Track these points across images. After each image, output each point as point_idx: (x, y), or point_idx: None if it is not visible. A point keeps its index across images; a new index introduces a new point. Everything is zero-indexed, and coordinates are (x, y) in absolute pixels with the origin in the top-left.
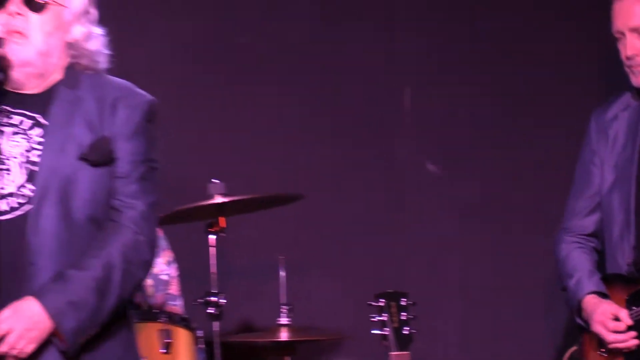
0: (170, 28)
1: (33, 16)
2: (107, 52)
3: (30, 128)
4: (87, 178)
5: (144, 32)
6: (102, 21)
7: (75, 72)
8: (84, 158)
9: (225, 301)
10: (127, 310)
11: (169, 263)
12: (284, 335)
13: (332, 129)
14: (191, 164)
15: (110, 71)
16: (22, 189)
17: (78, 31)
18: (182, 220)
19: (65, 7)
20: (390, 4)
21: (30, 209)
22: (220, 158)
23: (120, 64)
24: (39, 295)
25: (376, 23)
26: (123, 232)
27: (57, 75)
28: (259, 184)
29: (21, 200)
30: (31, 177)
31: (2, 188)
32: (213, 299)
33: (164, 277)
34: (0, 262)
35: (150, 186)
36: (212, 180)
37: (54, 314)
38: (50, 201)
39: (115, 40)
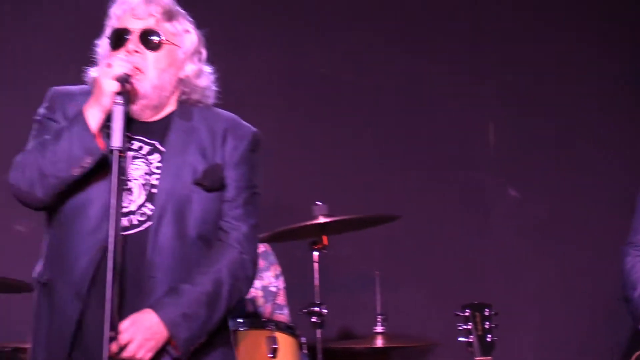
0: (273, 60)
1: (149, 54)
2: (215, 88)
3: (150, 153)
4: (200, 201)
5: (248, 66)
6: (209, 59)
7: (188, 105)
8: (198, 183)
9: (326, 311)
10: (227, 321)
11: (276, 276)
12: (379, 342)
13: (425, 157)
14: (298, 188)
15: (217, 103)
16: (142, 208)
17: (189, 69)
18: (289, 238)
19: (179, 46)
20: (477, 47)
21: (150, 227)
22: (323, 182)
23: (227, 95)
24: (156, 307)
25: (463, 64)
26: (230, 252)
27: (171, 107)
28: (359, 206)
29: (141, 218)
30: (150, 198)
31: (126, 207)
32: (316, 309)
33: (273, 289)
34: (125, 273)
35: (252, 210)
36: (316, 202)
37: (169, 325)
38: (167, 220)
39: (221, 74)
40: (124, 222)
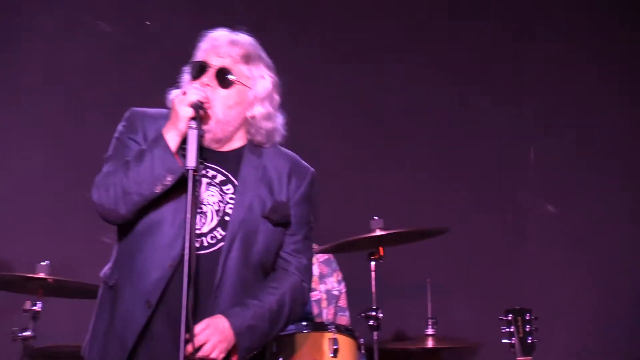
0: (331, 86)
1: (220, 90)
2: (282, 132)
3: (223, 184)
4: (265, 232)
5: (309, 93)
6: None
7: (256, 143)
8: (267, 217)
9: (382, 315)
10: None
11: (339, 281)
12: (430, 343)
13: (471, 176)
14: (357, 204)
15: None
16: (213, 232)
17: (257, 110)
18: (350, 250)
19: (250, 88)
20: (519, 72)
21: (222, 249)
22: (380, 199)
23: (291, 120)
24: (226, 314)
25: (506, 94)
26: (292, 279)
27: (240, 142)
28: (412, 220)
29: (211, 241)
30: (222, 224)
31: (198, 229)
32: (373, 313)
33: (335, 293)
34: (199, 286)
35: (310, 244)
36: (374, 217)
37: (237, 333)
38: (236, 247)
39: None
40: (198, 242)
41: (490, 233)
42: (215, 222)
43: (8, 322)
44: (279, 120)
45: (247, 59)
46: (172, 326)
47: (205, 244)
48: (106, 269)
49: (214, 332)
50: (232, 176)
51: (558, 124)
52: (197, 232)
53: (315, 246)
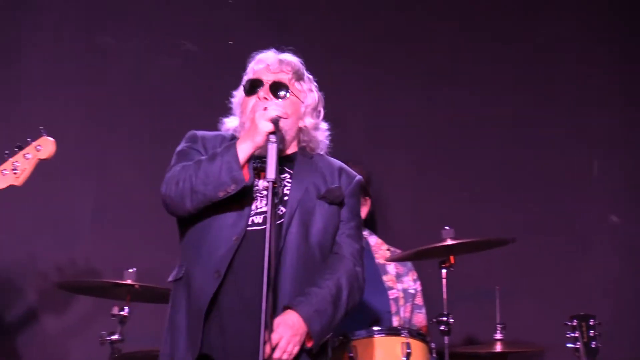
0: (403, 100)
1: (276, 102)
2: (327, 141)
3: (281, 172)
4: (322, 213)
5: (383, 108)
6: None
7: (306, 150)
8: (322, 197)
9: (453, 320)
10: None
11: (414, 280)
12: (498, 348)
13: (538, 187)
14: (429, 214)
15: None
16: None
17: (308, 121)
18: (422, 258)
19: (302, 101)
20: (583, 86)
21: (282, 222)
22: (451, 210)
23: (370, 132)
24: (293, 306)
25: (570, 107)
26: (346, 262)
27: (292, 149)
28: (481, 230)
29: (260, 220)
30: (281, 202)
31: (261, 207)
32: (444, 318)
33: (412, 291)
34: (257, 260)
35: (360, 235)
36: (445, 227)
37: (306, 320)
38: (295, 222)
39: (362, 115)
40: (259, 219)
41: (555, 242)
42: (276, 200)
43: (97, 327)
44: (325, 131)
45: (298, 75)
46: (240, 297)
47: (255, 222)
48: (172, 274)
49: (285, 329)
50: (288, 168)
51: (621, 134)
52: (260, 210)
53: (391, 248)
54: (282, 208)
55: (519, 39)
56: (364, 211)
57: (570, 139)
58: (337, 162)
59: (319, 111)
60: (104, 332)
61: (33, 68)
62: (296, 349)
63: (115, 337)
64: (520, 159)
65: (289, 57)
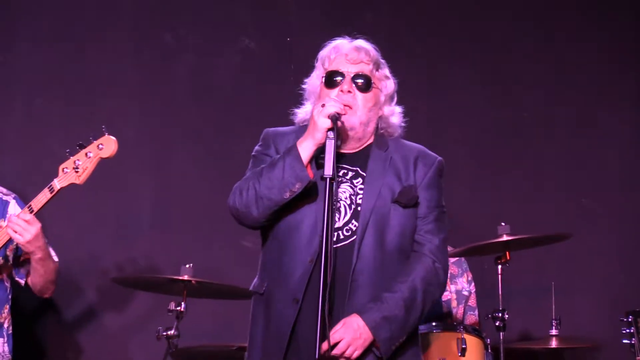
0: (464, 97)
1: (359, 94)
2: (403, 124)
3: (354, 178)
4: (397, 217)
5: (445, 104)
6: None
7: (383, 137)
8: (396, 201)
9: (508, 316)
10: (417, 327)
11: (469, 282)
12: (554, 343)
13: (593, 184)
14: (486, 210)
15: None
16: (348, 225)
17: (387, 109)
18: (478, 254)
19: (382, 91)
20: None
21: (355, 239)
22: (508, 206)
23: (430, 129)
24: (361, 312)
25: (628, 106)
26: (424, 261)
27: (370, 140)
28: (537, 226)
29: (347, 233)
30: (355, 215)
31: (335, 222)
32: (499, 314)
33: (465, 293)
34: (335, 278)
35: (442, 225)
36: (501, 223)
37: (372, 327)
38: (369, 233)
39: (426, 111)
40: (335, 236)
41: (611, 238)
42: (349, 215)
43: (154, 322)
44: (400, 114)
45: (377, 64)
46: (316, 322)
47: (342, 236)
48: (254, 281)
49: (347, 330)
50: (361, 170)
51: None
52: (335, 226)
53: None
54: (354, 222)
55: (581, 39)
56: None
57: (629, 136)
58: (415, 148)
59: (395, 97)
60: (160, 328)
61: (95, 67)
62: (356, 353)
63: (171, 332)
64: (578, 155)
65: (365, 44)
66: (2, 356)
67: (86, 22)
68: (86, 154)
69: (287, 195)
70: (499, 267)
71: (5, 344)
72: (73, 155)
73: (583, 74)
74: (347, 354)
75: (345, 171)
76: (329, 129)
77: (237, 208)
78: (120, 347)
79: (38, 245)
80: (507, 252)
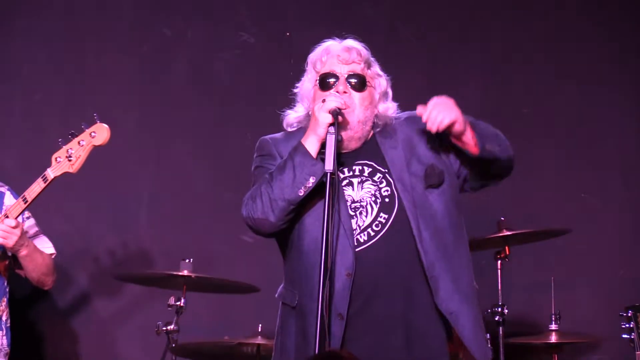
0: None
1: (355, 94)
2: (396, 116)
3: (372, 174)
4: (436, 198)
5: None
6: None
7: (384, 130)
8: (429, 187)
9: (508, 311)
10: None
11: None
12: (553, 338)
13: (595, 177)
14: (485, 205)
15: None
16: (377, 219)
17: (382, 107)
18: (477, 249)
19: (375, 88)
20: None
21: (393, 232)
22: (506, 201)
23: None
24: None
25: (629, 100)
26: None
27: (369, 137)
28: (536, 221)
29: (376, 228)
30: (382, 208)
31: (360, 226)
32: (499, 309)
33: None
34: (378, 277)
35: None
36: (501, 218)
37: (466, 118)
38: (423, 227)
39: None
40: (363, 237)
41: (611, 232)
42: (376, 210)
43: (153, 317)
44: (394, 108)
45: (368, 62)
46: (368, 332)
47: (372, 233)
48: (281, 289)
49: (440, 102)
50: (377, 164)
51: None
52: (363, 226)
53: None
54: (383, 215)
55: (582, 36)
56: None
57: (629, 131)
58: (405, 121)
59: (389, 93)
60: (160, 323)
61: (94, 62)
62: (446, 120)
63: (171, 327)
64: (577, 150)
65: (355, 44)
66: (1, 349)
67: (86, 17)
68: (79, 142)
69: (302, 192)
70: (499, 262)
71: (4, 337)
72: (66, 144)
73: (583, 69)
74: (437, 118)
75: (361, 167)
76: (330, 124)
77: (252, 217)
78: (120, 342)
79: (21, 244)
80: (507, 247)
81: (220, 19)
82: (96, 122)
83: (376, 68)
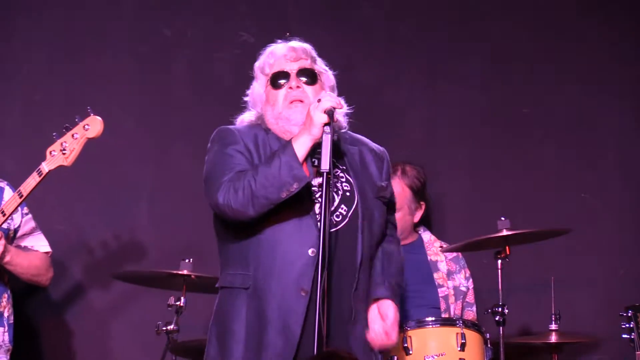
0: (464, 91)
1: (307, 88)
2: (347, 117)
3: (333, 167)
4: (380, 211)
5: (445, 98)
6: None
7: (336, 130)
8: (380, 197)
9: (508, 311)
10: None
11: (466, 278)
12: (553, 338)
13: (595, 178)
14: (485, 205)
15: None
16: (338, 210)
17: None
18: (478, 249)
19: (325, 83)
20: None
21: (349, 225)
22: (507, 200)
23: (426, 122)
24: (390, 297)
25: (628, 103)
26: (397, 246)
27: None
28: (537, 220)
29: (338, 219)
30: (343, 201)
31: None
32: (499, 309)
33: (463, 289)
34: (340, 265)
35: (393, 210)
36: (501, 217)
37: (396, 304)
38: (366, 227)
39: (422, 104)
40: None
41: (611, 232)
42: (337, 200)
43: (153, 317)
44: (344, 107)
45: (313, 58)
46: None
47: (334, 222)
48: (224, 276)
49: (395, 322)
50: (337, 160)
51: None
52: (331, 210)
53: (444, 245)
54: (344, 207)
55: (582, 35)
56: (418, 215)
57: (629, 131)
58: (365, 141)
59: (335, 89)
60: (160, 322)
61: (94, 62)
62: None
63: (171, 327)
64: (578, 150)
65: (299, 43)
66: (2, 345)
67: (85, 17)
68: (72, 135)
69: (285, 195)
70: (499, 262)
71: (6, 333)
72: (60, 137)
73: (583, 69)
74: (393, 339)
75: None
76: (325, 124)
77: (231, 207)
78: (120, 342)
79: (1, 251)
80: (507, 247)
81: (220, 18)
82: (89, 115)
83: (322, 64)
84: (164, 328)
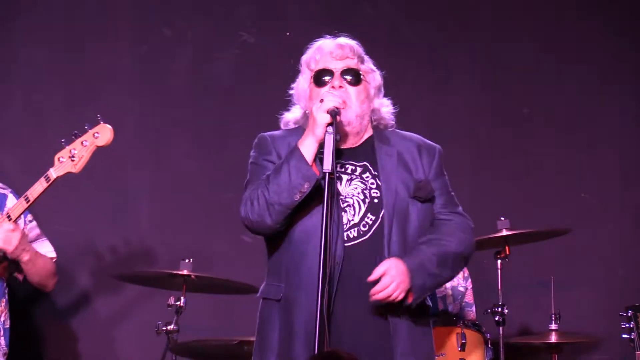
0: (468, 94)
1: (351, 88)
2: (393, 115)
3: (362, 173)
4: (416, 212)
5: (449, 100)
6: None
7: (381, 131)
8: (415, 197)
9: (508, 311)
10: (430, 319)
11: (465, 278)
12: (553, 338)
13: (595, 178)
14: (485, 205)
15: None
16: (365, 219)
17: (377, 102)
18: (477, 248)
19: (370, 83)
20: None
21: (376, 233)
22: (507, 201)
23: (431, 124)
24: (400, 257)
25: (626, 102)
26: (456, 220)
27: (368, 133)
28: (537, 221)
29: (364, 228)
30: (370, 209)
31: (351, 220)
32: (499, 309)
33: (461, 289)
34: (363, 273)
35: (456, 205)
36: (501, 218)
37: (411, 271)
38: (395, 231)
39: (429, 107)
40: (352, 233)
41: (610, 232)
42: (364, 209)
43: (153, 317)
44: (389, 105)
45: (361, 58)
46: (350, 320)
47: (361, 232)
48: (262, 287)
49: (398, 274)
50: (370, 164)
51: None
52: (351, 223)
53: None
54: (370, 216)
55: (582, 35)
56: None
57: (628, 130)
58: (414, 138)
59: (382, 89)
60: (160, 322)
61: (94, 62)
62: (401, 296)
63: (171, 327)
64: (577, 150)
65: (348, 40)
66: None
67: (85, 17)
68: (82, 143)
69: (298, 197)
70: (499, 261)
71: (2, 338)
72: (69, 144)
73: (583, 69)
74: (394, 296)
75: (353, 167)
76: (329, 124)
77: (250, 218)
78: (120, 342)
79: (22, 249)
80: (507, 247)
81: (220, 18)
82: (99, 123)
83: (369, 63)
84: (164, 328)
